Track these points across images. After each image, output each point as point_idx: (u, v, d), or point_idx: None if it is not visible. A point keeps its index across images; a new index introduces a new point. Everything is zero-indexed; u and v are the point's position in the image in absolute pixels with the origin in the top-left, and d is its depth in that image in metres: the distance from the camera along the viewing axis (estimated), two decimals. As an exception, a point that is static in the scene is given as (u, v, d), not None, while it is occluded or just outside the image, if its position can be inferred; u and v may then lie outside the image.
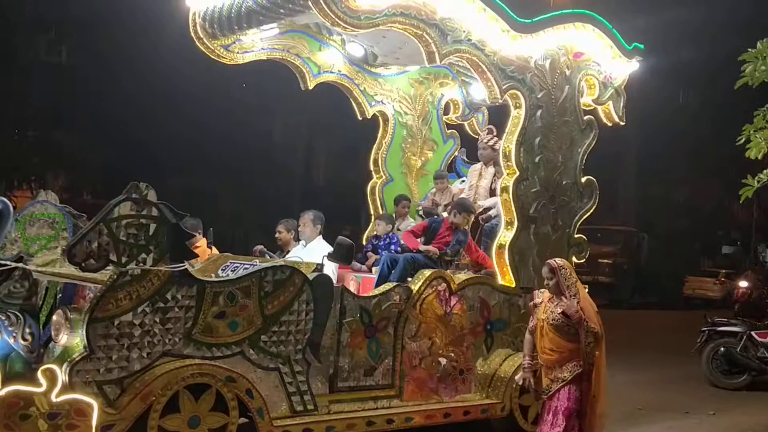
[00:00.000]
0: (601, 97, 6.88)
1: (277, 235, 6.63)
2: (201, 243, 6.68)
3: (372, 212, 7.63)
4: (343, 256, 5.37)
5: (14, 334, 4.53)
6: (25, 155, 23.79)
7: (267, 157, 23.81)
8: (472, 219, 6.64)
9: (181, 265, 4.53)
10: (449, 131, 8.06)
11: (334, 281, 6.06)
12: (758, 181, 6.00)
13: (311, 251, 6.21)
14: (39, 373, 4.10)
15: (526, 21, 6.16)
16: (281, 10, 5.62)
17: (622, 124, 7.09)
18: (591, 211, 6.87)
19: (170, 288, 4.49)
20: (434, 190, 7.70)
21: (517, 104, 6.34)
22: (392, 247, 6.66)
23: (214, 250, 6.68)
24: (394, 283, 5.68)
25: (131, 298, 4.36)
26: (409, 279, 5.87)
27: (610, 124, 7.11)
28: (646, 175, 26.06)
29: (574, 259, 6.71)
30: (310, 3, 5.17)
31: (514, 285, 6.28)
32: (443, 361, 5.83)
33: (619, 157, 26.76)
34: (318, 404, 5.12)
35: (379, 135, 7.76)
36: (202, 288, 4.63)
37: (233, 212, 22.93)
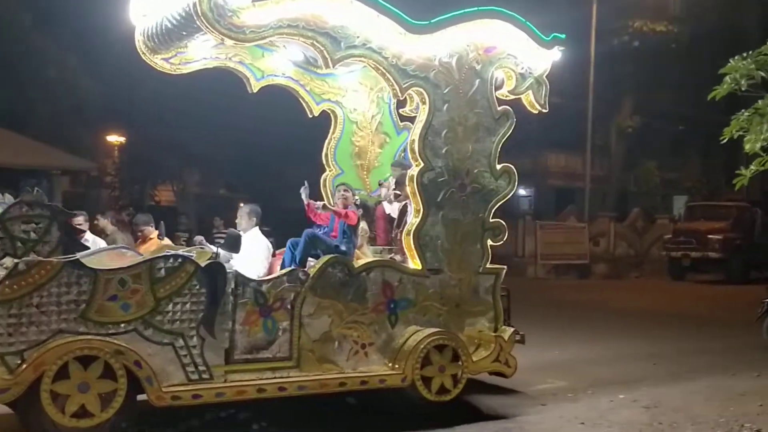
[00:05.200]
0: (518, 87, 7.21)
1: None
2: (153, 234, 7.62)
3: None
4: (231, 245, 6.09)
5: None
6: (165, 155, 26.18)
7: None
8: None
9: (72, 256, 5.39)
10: (403, 123, 8.53)
11: (265, 267, 6.84)
12: (751, 171, 6.43)
13: (246, 240, 6.95)
14: (-50, 346, 5.07)
15: (422, 23, 6.61)
16: (189, 29, 6.31)
17: (545, 111, 7.40)
18: (509, 196, 7.23)
19: (63, 275, 5.34)
20: (389, 177, 8.24)
21: (423, 100, 6.81)
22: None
23: (166, 241, 7.57)
24: (291, 268, 6.35)
25: (27, 285, 5.24)
26: (319, 252, 6.52)
27: (535, 112, 7.45)
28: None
29: (490, 242, 7.13)
30: (197, 23, 5.86)
31: (420, 267, 6.79)
32: (343, 336, 6.43)
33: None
34: (214, 374, 5.87)
35: (330, 131, 8.38)
36: (94, 275, 5.47)
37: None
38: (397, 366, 6.54)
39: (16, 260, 5.24)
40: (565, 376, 8.65)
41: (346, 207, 7.07)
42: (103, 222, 8.21)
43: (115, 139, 26.34)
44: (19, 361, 5.21)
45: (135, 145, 26.37)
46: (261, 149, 24.89)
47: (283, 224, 8.47)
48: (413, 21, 6.54)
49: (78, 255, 5.46)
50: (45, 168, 20.18)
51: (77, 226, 7.56)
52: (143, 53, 7.17)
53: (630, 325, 13.24)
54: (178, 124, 25.17)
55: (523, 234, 25.57)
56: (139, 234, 7.97)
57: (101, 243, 7.86)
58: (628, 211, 28.76)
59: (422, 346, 6.56)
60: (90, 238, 7.93)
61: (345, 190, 7.23)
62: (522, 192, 33.55)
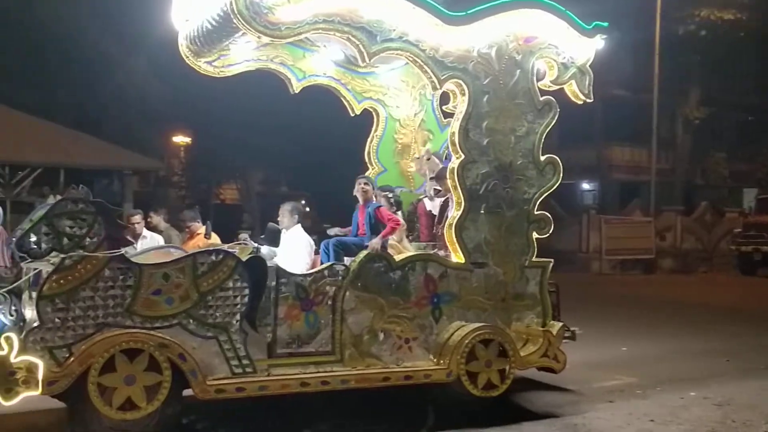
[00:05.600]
0: (560, 77, 7.09)
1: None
2: (200, 230, 7.82)
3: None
4: (270, 239, 6.17)
5: (3, 312, 5.75)
6: (229, 155, 27.06)
7: None
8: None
9: (118, 251, 5.55)
10: (446, 120, 8.46)
11: (307, 263, 6.90)
12: None
13: (288, 237, 7.08)
14: (1, 340, 5.28)
15: (459, 14, 6.55)
16: (227, 29, 6.41)
17: (589, 101, 7.25)
18: (554, 188, 7.12)
19: (108, 270, 5.50)
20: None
21: (462, 91, 6.76)
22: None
23: (214, 238, 7.72)
24: (331, 263, 6.38)
25: (74, 279, 5.41)
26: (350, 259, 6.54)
27: (579, 102, 7.30)
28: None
29: (535, 234, 7.02)
30: (234, 21, 5.94)
31: (463, 261, 6.73)
32: (386, 331, 6.43)
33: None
34: (257, 367, 5.93)
35: (372, 129, 8.39)
36: (138, 269, 5.61)
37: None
38: (441, 361, 6.49)
39: (62, 255, 5.41)
40: (633, 372, 8.55)
41: (366, 201, 7.08)
42: (156, 219, 8.44)
43: (180, 139, 27.20)
44: (67, 354, 5.37)
45: (200, 146, 27.14)
46: (321, 148, 25.32)
47: (343, 222, 8.52)
48: (450, 12, 6.50)
49: (126, 254, 5.59)
50: (117, 168, 21.10)
51: (133, 225, 7.81)
52: (187, 57, 7.31)
53: (698, 320, 12.99)
54: (241, 124, 25.82)
55: (588, 229, 25.14)
56: (187, 230, 8.16)
57: (159, 239, 8.07)
58: (695, 205, 28.03)
59: (467, 341, 6.51)
60: (148, 235, 8.16)
61: (365, 183, 7.22)
62: (586, 186, 32.95)
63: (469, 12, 6.59)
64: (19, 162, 18.41)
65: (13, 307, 5.75)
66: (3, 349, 5.24)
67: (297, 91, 7.92)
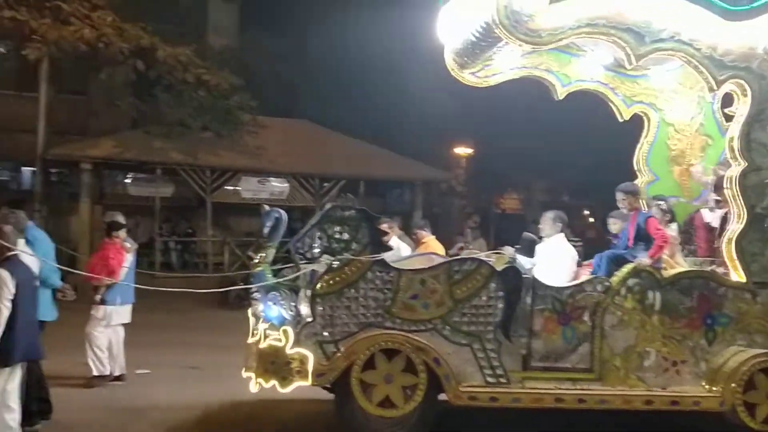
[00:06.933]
0: None
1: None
2: (427, 239, 8.01)
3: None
4: (526, 249, 6.07)
5: (284, 307, 6.36)
6: (511, 165, 27.88)
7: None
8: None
9: (378, 255, 5.87)
10: (728, 124, 7.71)
11: (569, 275, 6.75)
12: None
13: (548, 246, 6.95)
14: (281, 332, 5.84)
15: (742, 8, 5.96)
16: (489, 39, 6.46)
17: None
18: None
19: (371, 273, 5.84)
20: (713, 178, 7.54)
21: (743, 92, 6.14)
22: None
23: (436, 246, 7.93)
24: (591, 276, 6.12)
25: (341, 280, 5.83)
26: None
27: None
28: None
29: (830, 253, 6.14)
30: (496, 31, 5.99)
31: (744, 280, 6.09)
32: (651, 351, 6.03)
33: None
34: (511, 379, 5.91)
35: (643, 135, 7.92)
36: (398, 274, 5.88)
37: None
38: (714, 388, 5.94)
39: (332, 258, 5.85)
40: None
41: (633, 210, 6.64)
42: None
43: (463, 150, 28.04)
44: (334, 349, 5.78)
45: (482, 156, 27.76)
46: (604, 158, 24.63)
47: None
48: (730, 6, 5.93)
49: (387, 258, 5.89)
50: (409, 180, 22.43)
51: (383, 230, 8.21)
52: (452, 69, 7.47)
53: None
54: (522, 134, 25.93)
55: None
56: (414, 236, 8.40)
57: (405, 248, 8.39)
58: None
59: (745, 368, 5.91)
60: (395, 244, 8.52)
61: (623, 199, 6.75)
62: None
63: (753, 5, 5.96)
64: (328, 174, 20.45)
65: (291, 303, 6.33)
66: (281, 341, 5.79)
67: (561, 97, 7.74)
